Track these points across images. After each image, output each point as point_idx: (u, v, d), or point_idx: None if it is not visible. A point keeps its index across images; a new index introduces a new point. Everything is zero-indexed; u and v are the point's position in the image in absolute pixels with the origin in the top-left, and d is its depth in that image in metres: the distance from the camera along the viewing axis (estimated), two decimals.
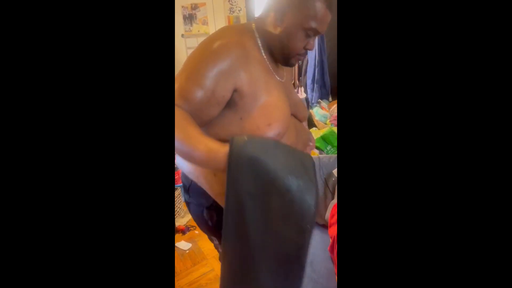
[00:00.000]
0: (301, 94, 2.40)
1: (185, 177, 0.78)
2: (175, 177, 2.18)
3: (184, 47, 2.74)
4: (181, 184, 1.74)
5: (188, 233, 1.95)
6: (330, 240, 1.26)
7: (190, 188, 0.77)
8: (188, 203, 0.81)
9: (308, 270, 1.54)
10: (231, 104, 0.65)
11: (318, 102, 2.27)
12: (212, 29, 2.64)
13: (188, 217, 2.07)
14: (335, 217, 1.21)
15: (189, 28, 2.67)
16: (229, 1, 2.51)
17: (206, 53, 0.64)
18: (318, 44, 1.99)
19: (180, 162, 0.74)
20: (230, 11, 2.55)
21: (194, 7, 2.60)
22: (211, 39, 0.67)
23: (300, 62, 2.47)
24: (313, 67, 2.15)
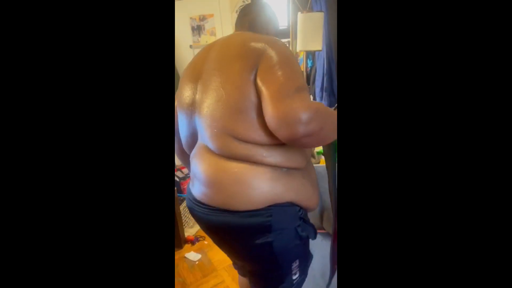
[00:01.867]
0: None
1: (262, 215, 0.72)
2: (184, 187, 2.17)
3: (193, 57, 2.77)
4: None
5: (197, 244, 1.93)
6: None
7: (273, 220, 0.71)
8: (271, 242, 0.73)
9: (320, 282, 1.51)
10: None
11: None
12: None
13: (197, 227, 2.06)
14: None
15: (197, 39, 2.71)
16: (236, 12, 2.55)
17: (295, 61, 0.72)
18: (327, 53, 1.99)
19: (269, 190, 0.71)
20: None
21: (202, 18, 2.64)
22: (284, 47, 0.72)
23: (308, 71, 2.46)
24: (321, 76, 2.14)
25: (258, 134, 0.66)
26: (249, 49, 0.69)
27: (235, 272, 1.68)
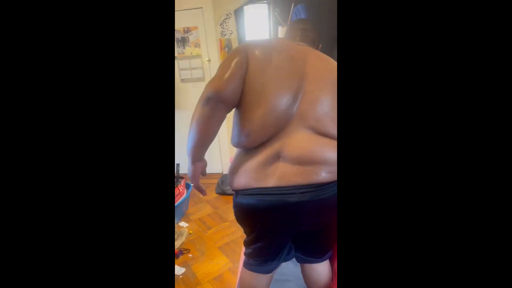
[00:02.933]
0: None
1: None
2: None
3: (177, 68, 2.78)
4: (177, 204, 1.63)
5: (181, 257, 1.90)
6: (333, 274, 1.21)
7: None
8: None
9: None
10: None
11: None
12: (204, 51, 2.69)
13: (181, 240, 2.02)
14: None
15: (182, 50, 2.73)
16: (220, 24, 2.59)
17: None
18: None
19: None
20: (222, 34, 2.61)
21: (187, 30, 2.66)
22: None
23: None
24: None
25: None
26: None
27: (220, 285, 1.66)
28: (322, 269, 1.10)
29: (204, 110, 0.83)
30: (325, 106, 0.85)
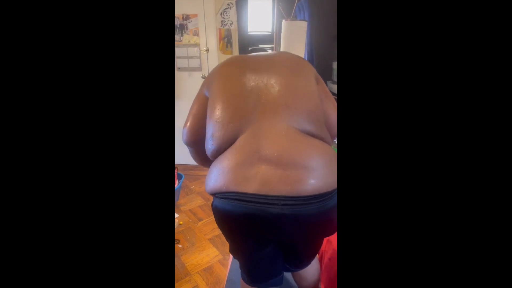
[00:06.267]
0: None
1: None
2: None
3: (174, 56, 2.73)
4: None
5: None
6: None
7: None
8: None
9: None
10: None
11: None
12: (203, 40, 2.64)
13: None
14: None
15: (180, 38, 2.67)
16: (220, 14, 2.54)
17: None
18: (308, 60, 2.04)
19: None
20: (222, 24, 2.57)
21: (186, 17, 2.60)
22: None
23: None
24: None
25: None
26: None
27: (209, 276, 1.66)
28: (310, 266, 1.04)
29: (190, 150, 1.02)
30: (291, 90, 0.82)
